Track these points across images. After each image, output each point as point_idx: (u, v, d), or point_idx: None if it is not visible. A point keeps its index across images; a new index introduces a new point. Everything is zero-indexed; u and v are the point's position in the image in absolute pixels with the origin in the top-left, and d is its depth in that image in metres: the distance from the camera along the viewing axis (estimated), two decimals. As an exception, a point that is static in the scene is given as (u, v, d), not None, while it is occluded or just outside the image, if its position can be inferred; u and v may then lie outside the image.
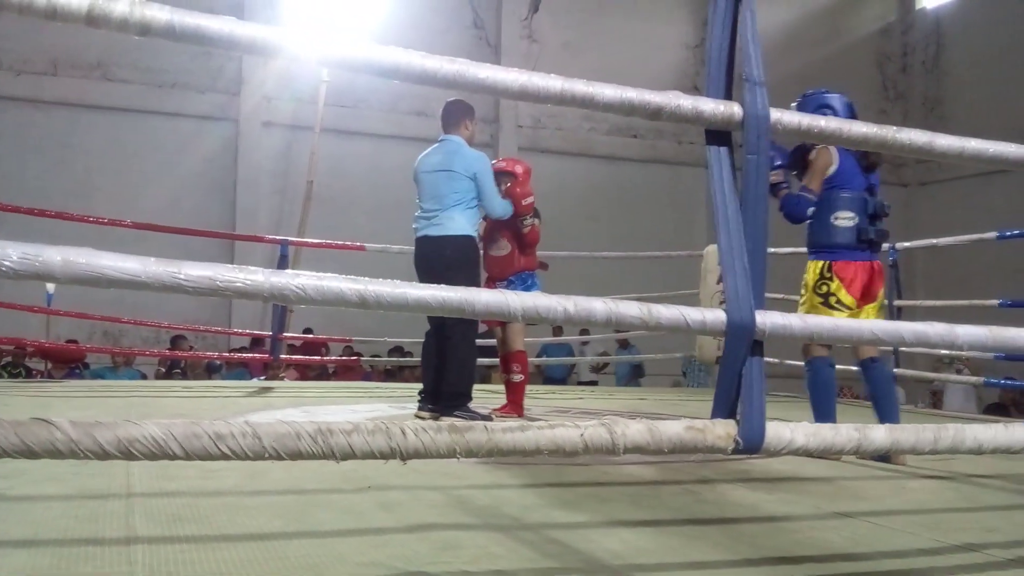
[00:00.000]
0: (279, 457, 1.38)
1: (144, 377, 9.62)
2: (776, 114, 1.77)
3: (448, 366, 4.62)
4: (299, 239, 9.26)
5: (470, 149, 4.74)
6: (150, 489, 2.63)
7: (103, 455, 1.28)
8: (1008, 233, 6.27)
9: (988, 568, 2.06)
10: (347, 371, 10.38)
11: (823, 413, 3.81)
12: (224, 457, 1.36)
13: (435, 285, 1.52)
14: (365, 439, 1.41)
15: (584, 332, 10.86)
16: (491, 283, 5.06)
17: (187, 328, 9.88)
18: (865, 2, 15.96)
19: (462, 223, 4.62)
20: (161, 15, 1.33)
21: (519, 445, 1.50)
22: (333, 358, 10.26)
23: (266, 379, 8.49)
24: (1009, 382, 7.78)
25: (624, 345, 11.39)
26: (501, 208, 4.81)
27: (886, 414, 3.76)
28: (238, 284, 1.34)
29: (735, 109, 1.74)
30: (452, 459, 3.13)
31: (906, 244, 7.13)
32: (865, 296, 3.82)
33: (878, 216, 3.87)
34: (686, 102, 1.72)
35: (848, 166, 3.86)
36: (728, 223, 1.68)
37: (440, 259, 4.56)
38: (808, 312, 3.78)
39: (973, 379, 7.71)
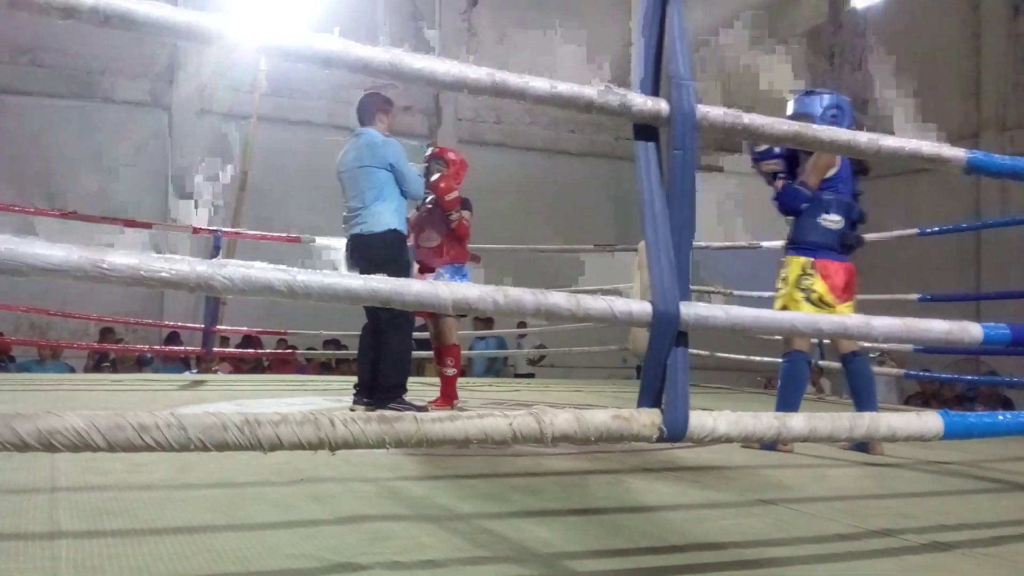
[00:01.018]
0: (205, 448, 1.37)
1: (72, 370, 9.38)
2: (702, 110, 1.81)
3: (383, 358, 4.61)
4: (233, 230, 9.12)
5: (382, 139, 4.69)
6: (75, 483, 2.59)
7: (23, 447, 1.26)
8: (929, 230, 6.50)
9: (903, 552, 2.14)
10: (282, 364, 10.26)
11: (789, 404, 3.88)
12: (149, 449, 1.34)
13: (365, 275, 1.52)
14: (293, 430, 1.41)
15: (521, 325, 10.92)
16: (421, 274, 5.05)
17: (117, 320, 9.65)
18: (797, 3, 16.29)
19: (387, 218, 4.59)
20: (86, -2, 1.31)
21: (449, 435, 1.51)
22: (268, 351, 10.13)
23: (199, 372, 8.36)
24: (926, 374, 8.07)
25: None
26: (414, 185, 4.75)
27: (865, 405, 3.91)
28: (163, 274, 1.32)
29: (663, 105, 1.77)
30: (385, 452, 3.14)
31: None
32: (845, 294, 3.94)
33: (857, 222, 4.02)
34: (614, 97, 1.75)
35: (845, 170, 3.97)
36: (655, 217, 1.72)
37: (367, 259, 4.53)
38: (785, 305, 3.90)
39: (894, 371, 7.97)
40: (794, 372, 3.94)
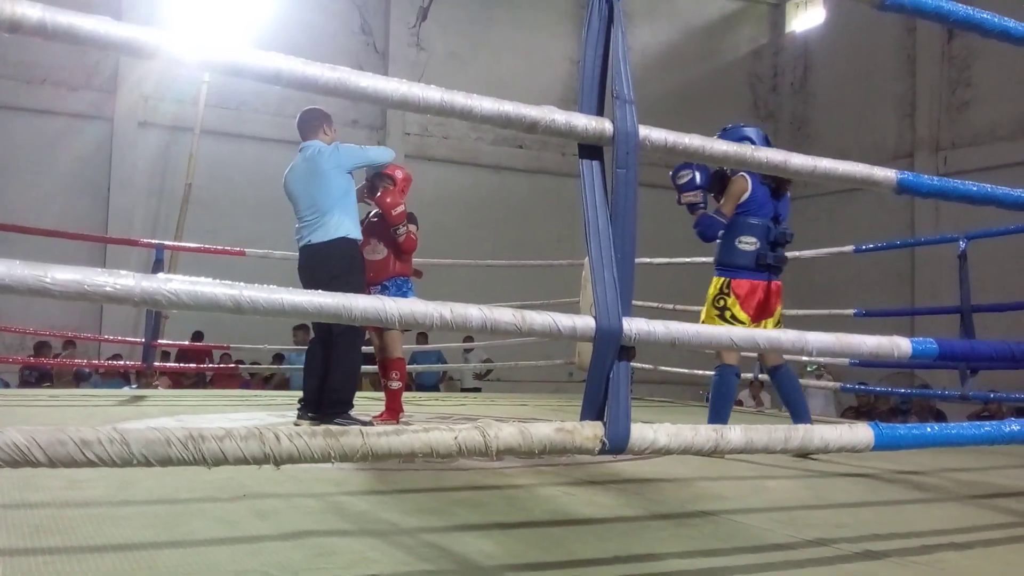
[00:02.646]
0: (148, 464, 1.36)
1: (7, 385, 9.14)
2: (644, 131, 1.86)
3: (333, 373, 4.59)
4: (176, 243, 8.99)
5: (326, 145, 4.67)
6: (11, 500, 2.54)
7: (-39, 462, 1.24)
8: (864, 247, 6.68)
9: (837, 561, 2.20)
10: (226, 379, 10.11)
11: (719, 415, 4.09)
12: (90, 464, 1.33)
13: (312, 291, 1.53)
14: (238, 444, 1.41)
15: (468, 339, 10.94)
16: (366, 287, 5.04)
17: (55, 335, 9.45)
18: (739, 25, 16.66)
19: (346, 225, 4.57)
20: (33, 12, 1.30)
21: (394, 449, 1.53)
22: (210, 365, 9.98)
23: (139, 387, 8.20)
24: (862, 387, 8.30)
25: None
26: (383, 155, 4.85)
27: (798, 409, 4.15)
28: (107, 288, 1.32)
29: (606, 125, 1.82)
30: (331, 467, 3.13)
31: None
32: (761, 313, 4.13)
33: (779, 243, 4.18)
34: (560, 117, 1.79)
35: (760, 194, 4.16)
36: (598, 234, 1.76)
37: (324, 269, 4.49)
38: (703, 321, 4.12)
39: (831, 384, 8.16)
40: (724, 384, 4.15)
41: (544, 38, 14.79)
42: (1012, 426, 2.17)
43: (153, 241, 7.90)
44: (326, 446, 1.47)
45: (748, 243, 4.11)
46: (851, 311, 6.82)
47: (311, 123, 4.72)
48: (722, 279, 4.15)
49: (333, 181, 4.54)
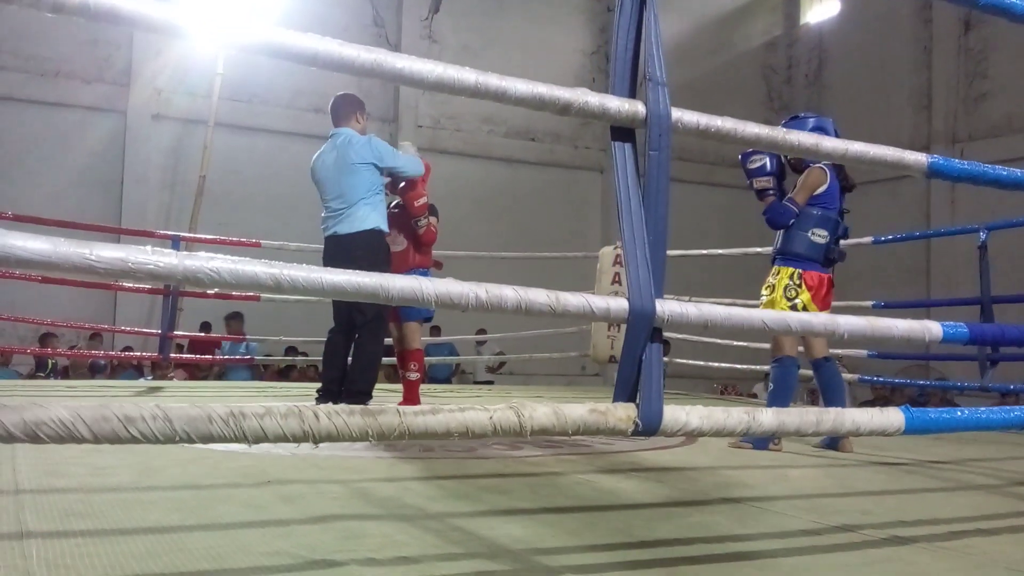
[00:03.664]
0: (190, 440, 1.37)
1: (22, 377, 9.20)
2: (676, 113, 1.86)
3: (355, 365, 4.60)
4: (190, 235, 9.02)
5: (359, 136, 4.67)
6: (39, 486, 2.56)
7: (9, 438, 1.25)
8: (883, 238, 6.66)
9: (864, 546, 2.20)
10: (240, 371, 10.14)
11: (781, 406, 4.05)
12: (133, 440, 1.34)
13: (349, 271, 1.54)
14: (278, 422, 1.41)
15: (481, 332, 10.96)
16: None
17: (72, 326, 9.49)
18: (753, 16, 16.57)
19: (374, 217, 4.58)
20: (77, -7, 1.31)
21: (431, 428, 1.53)
22: (225, 357, 10.01)
23: (154, 379, 8.25)
24: (879, 379, 8.27)
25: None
26: (413, 167, 4.82)
27: (836, 405, 4.04)
28: (151, 266, 1.32)
29: (639, 108, 1.81)
30: (351, 455, 3.14)
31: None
32: (823, 306, 4.13)
33: (840, 238, 4.21)
34: (593, 99, 1.79)
35: (834, 188, 4.16)
36: (631, 216, 1.76)
37: (349, 259, 4.49)
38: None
39: (848, 376, 8.13)
40: (785, 376, 4.11)
41: (556, 31, 14.76)
42: (1042, 411, 2.17)
43: (169, 232, 7.93)
44: (364, 424, 1.47)
45: (821, 236, 4.10)
46: (869, 302, 6.79)
47: (344, 109, 4.72)
48: (792, 269, 4.11)
49: (363, 174, 4.55)
